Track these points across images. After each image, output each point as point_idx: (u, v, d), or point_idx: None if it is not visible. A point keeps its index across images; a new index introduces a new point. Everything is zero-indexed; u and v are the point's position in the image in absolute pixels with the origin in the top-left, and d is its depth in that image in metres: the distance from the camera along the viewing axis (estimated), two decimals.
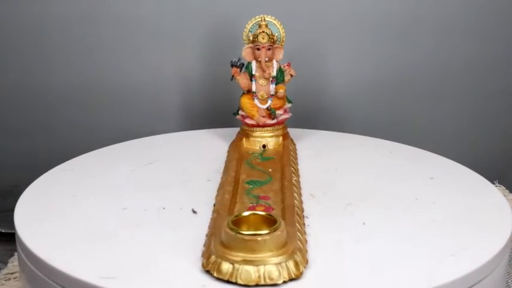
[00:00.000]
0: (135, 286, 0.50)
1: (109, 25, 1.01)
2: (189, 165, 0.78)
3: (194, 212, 0.64)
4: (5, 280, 0.80)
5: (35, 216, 0.64)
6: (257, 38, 0.80)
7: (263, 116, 0.82)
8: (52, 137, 1.05)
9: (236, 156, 0.77)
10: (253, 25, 0.81)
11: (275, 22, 0.81)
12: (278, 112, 0.82)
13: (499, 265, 0.57)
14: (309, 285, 0.50)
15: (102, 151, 0.84)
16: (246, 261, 0.50)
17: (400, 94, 1.08)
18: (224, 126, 0.94)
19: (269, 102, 0.81)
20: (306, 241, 0.56)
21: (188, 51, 1.04)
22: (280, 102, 0.82)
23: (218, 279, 0.50)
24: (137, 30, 1.02)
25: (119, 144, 0.87)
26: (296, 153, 0.81)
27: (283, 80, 0.81)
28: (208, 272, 0.51)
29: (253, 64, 0.81)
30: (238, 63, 0.81)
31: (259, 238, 0.50)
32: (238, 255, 0.50)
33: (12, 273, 0.81)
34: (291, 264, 0.50)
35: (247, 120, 0.82)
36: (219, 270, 0.50)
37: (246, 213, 0.55)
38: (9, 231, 0.99)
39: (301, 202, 0.65)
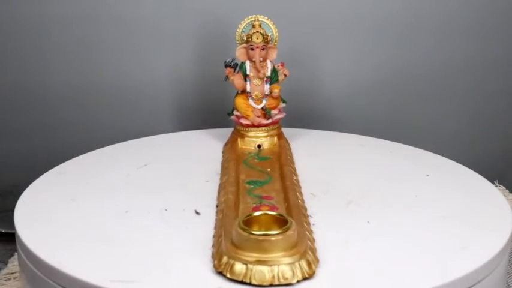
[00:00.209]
0: None
1: (108, 25, 1.01)
2: (186, 166, 0.78)
3: (197, 213, 0.64)
4: (5, 280, 0.80)
5: (35, 216, 0.64)
6: (251, 38, 0.80)
7: (258, 116, 0.82)
8: (51, 137, 1.05)
9: (233, 156, 0.77)
10: (246, 25, 0.81)
11: (268, 22, 0.81)
12: (273, 112, 0.82)
13: (499, 265, 0.57)
14: (322, 284, 0.50)
15: (100, 152, 0.84)
16: (260, 262, 0.50)
17: (400, 94, 1.08)
18: (217, 126, 0.94)
19: (264, 102, 0.81)
20: (314, 240, 0.56)
21: (183, 51, 1.03)
22: (274, 102, 0.82)
23: (231, 280, 0.50)
24: (136, 31, 1.02)
25: (116, 145, 0.87)
26: (291, 153, 0.81)
27: (277, 80, 0.81)
28: (220, 273, 0.51)
29: (247, 64, 0.81)
30: (232, 63, 0.81)
31: (272, 238, 0.50)
32: (251, 256, 0.50)
33: (12, 273, 0.81)
34: (303, 263, 0.50)
35: (242, 121, 0.82)
36: (232, 271, 0.50)
37: (257, 214, 0.55)
38: (9, 231, 0.99)
39: (303, 201, 0.65)
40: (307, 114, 1.07)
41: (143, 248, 0.56)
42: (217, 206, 0.65)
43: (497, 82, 1.10)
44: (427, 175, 0.75)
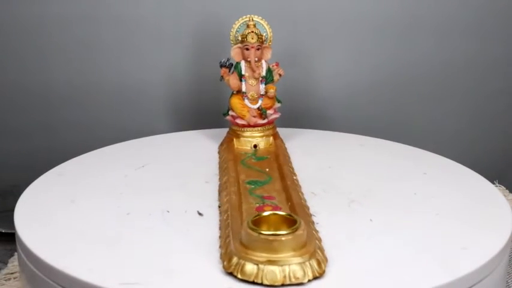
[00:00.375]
0: None
1: (109, 25, 1.01)
2: (184, 167, 0.77)
3: (200, 214, 0.64)
4: (5, 280, 0.80)
5: (35, 216, 0.64)
6: (246, 38, 0.80)
7: (254, 116, 0.82)
8: (52, 137, 1.05)
9: (231, 157, 0.77)
10: (240, 25, 0.81)
11: (262, 22, 0.82)
12: (269, 112, 0.82)
13: (499, 265, 0.57)
14: (333, 283, 0.51)
15: (99, 152, 0.84)
16: (271, 262, 0.50)
17: (400, 94, 1.08)
18: (211, 126, 0.94)
19: (260, 102, 0.81)
20: (321, 239, 0.56)
21: (179, 51, 1.03)
22: (270, 102, 0.82)
23: (242, 280, 0.50)
24: (136, 30, 1.02)
25: (113, 145, 0.86)
26: (287, 153, 0.81)
27: (272, 80, 0.82)
28: (230, 273, 0.51)
29: (242, 64, 0.81)
30: (227, 63, 0.81)
31: (283, 238, 0.50)
32: (262, 256, 0.50)
33: (12, 273, 0.81)
34: (314, 263, 0.51)
35: (238, 121, 0.82)
36: (243, 272, 0.50)
37: (266, 213, 0.55)
38: (9, 231, 0.99)
39: (305, 201, 0.65)
40: (308, 114, 1.07)
41: (147, 249, 0.56)
42: (219, 207, 0.64)
43: (497, 82, 1.10)
44: (424, 173, 0.75)
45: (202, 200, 0.67)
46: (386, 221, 0.62)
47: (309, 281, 0.50)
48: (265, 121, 0.82)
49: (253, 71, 0.80)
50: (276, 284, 0.49)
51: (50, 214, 0.64)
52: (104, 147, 0.85)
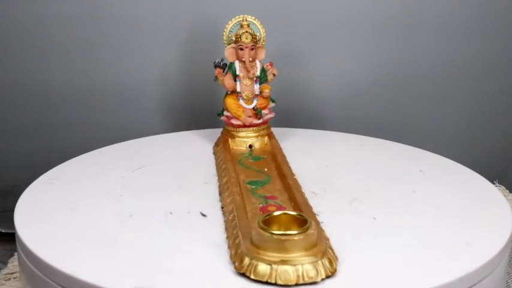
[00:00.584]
0: None
1: (109, 25, 1.01)
2: (181, 168, 0.77)
3: (203, 215, 0.63)
4: (5, 280, 0.80)
5: (35, 216, 0.64)
6: (240, 38, 0.79)
7: (249, 116, 0.82)
8: (52, 137, 1.05)
9: (228, 157, 0.77)
10: (233, 25, 0.81)
11: (255, 22, 0.81)
12: (264, 112, 0.82)
13: (499, 265, 0.57)
14: (346, 281, 0.51)
15: (97, 152, 0.84)
16: (284, 262, 0.50)
17: (400, 94, 1.08)
18: (204, 126, 0.94)
19: (255, 102, 0.81)
20: (328, 238, 0.56)
21: (177, 51, 1.04)
22: (265, 102, 0.82)
23: (254, 280, 0.50)
24: (135, 30, 1.02)
25: (111, 146, 0.86)
26: (283, 152, 0.81)
27: (266, 80, 0.82)
28: (242, 274, 0.51)
29: (237, 64, 0.81)
30: (221, 63, 0.81)
31: (295, 238, 0.50)
32: (275, 256, 0.50)
33: (12, 273, 0.81)
34: (326, 261, 0.51)
35: (233, 121, 0.82)
36: (256, 272, 0.50)
37: (276, 213, 0.54)
38: (9, 231, 0.99)
39: (307, 200, 0.65)
40: (307, 114, 1.07)
41: (154, 251, 0.56)
42: (222, 208, 0.64)
43: (498, 82, 1.10)
44: (424, 173, 0.75)
45: (203, 201, 0.67)
46: (389, 219, 0.62)
47: (322, 279, 0.50)
48: (260, 121, 0.82)
49: (248, 71, 0.80)
50: (290, 283, 0.49)
51: (50, 214, 0.64)
52: (103, 148, 0.85)
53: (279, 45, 1.02)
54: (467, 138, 1.12)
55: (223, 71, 0.81)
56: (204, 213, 0.64)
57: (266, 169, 0.75)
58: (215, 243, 0.57)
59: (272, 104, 0.83)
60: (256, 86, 0.81)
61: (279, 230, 0.51)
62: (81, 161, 0.81)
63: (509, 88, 1.10)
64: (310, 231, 0.51)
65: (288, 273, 0.49)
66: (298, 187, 0.68)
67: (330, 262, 0.51)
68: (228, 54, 0.81)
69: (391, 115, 1.09)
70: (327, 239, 0.56)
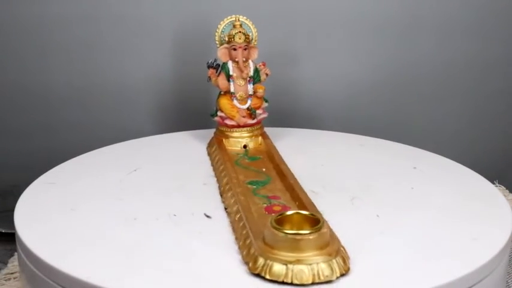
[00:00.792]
0: None
1: (109, 25, 1.01)
2: (178, 169, 0.77)
3: (208, 216, 0.63)
4: (5, 280, 0.80)
5: (35, 216, 0.64)
6: (233, 38, 0.79)
7: (243, 116, 0.82)
8: (52, 137, 1.05)
9: (226, 158, 0.76)
10: (225, 26, 0.81)
11: (247, 22, 0.81)
12: (258, 112, 0.82)
13: (499, 265, 0.57)
14: (360, 278, 0.51)
15: (96, 153, 0.83)
16: (299, 261, 0.50)
17: (401, 94, 1.08)
18: (195, 127, 0.94)
19: (249, 102, 0.81)
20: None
21: (175, 51, 1.04)
22: (258, 102, 0.82)
23: (269, 281, 0.50)
24: (136, 30, 1.02)
25: (111, 146, 0.86)
26: (279, 152, 0.81)
27: (259, 80, 0.82)
28: (257, 275, 0.51)
29: (230, 64, 0.81)
30: (215, 64, 0.81)
31: (311, 237, 0.50)
32: (290, 256, 0.50)
33: (12, 273, 0.81)
34: (340, 260, 0.51)
35: (228, 121, 0.81)
36: (271, 272, 0.50)
37: (289, 213, 0.54)
38: (9, 231, 0.99)
39: (311, 199, 0.65)
40: (307, 114, 1.07)
41: (158, 252, 0.56)
42: (225, 209, 0.64)
43: (498, 82, 1.10)
44: (424, 173, 0.75)
45: (204, 202, 0.66)
46: (391, 217, 0.63)
47: (337, 278, 0.50)
48: (254, 121, 0.82)
49: (241, 71, 0.80)
50: (306, 283, 0.49)
51: (50, 214, 0.64)
52: (103, 148, 0.85)
53: (279, 45, 1.02)
54: (467, 138, 1.12)
55: (216, 72, 0.81)
56: (208, 214, 0.63)
57: (264, 169, 0.75)
58: (224, 245, 0.57)
59: (265, 104, 0.83)
60: (250, 86, 0.81)
61: (291, 229, 0.51)
62: (81, 161, 0.81)
63: (509, 88, 1.10)
64: (324, 230, 0.51)
65: (303, 272, 0.49)
66: (301, 187, 0.67)
67: (344, 260, 0.51)
68: (221, 54, 0.81)
69: (391, 115, 1.09)
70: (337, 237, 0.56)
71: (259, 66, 0.82)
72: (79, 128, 1.05)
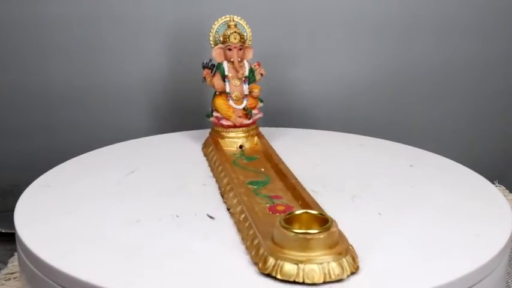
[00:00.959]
0: None
1: (109, 25, 1.01)
2: (176, 170, 0.77)
3: (211, 217, 0.63)
4: (5, 280, 0.80)
5: (35, 216, 0.64)
6: (228, 38, 0.79)
7: (239, 117, 0.82)
8: (52, 137, 1.05)
9: (224, 158, 0.76)
10: (219, 26, 0.81)
11: (242, 22, 0.81)
12: (253, 112, 0.82)
13: (499, 265, 0.57)
14: (370, 276, 0.51)
15: (96, 153, 0.83)
16: (310, 260, 0.50)
17: (400, 94, 1.08)
18: (189, 127, 0.94)
19: (245, 102, 0.81)
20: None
21: (172, 51, 1.04)
22: (254, 102, 0.82)
23: (280, 280, 0.50)
24: (136, 30, 1.02)
25: (111, 146, 0.86)
26: (276, 152, 0.81)
27: (254, 80, 0.82)
28: (267, 275, 0.50)
29: (225, 65, 0.81)
30: (210, 64, 0.81)
31: (321, 236, 0.50)
32: (300, 255, 0.50)
33: (12, 273, 0.81)
34: (349, 259, 0.51)
35: (224, 122, 0.81)
36: (282, 272, 0.50)
37: (298, 212, 0.54)
38: (9, 231, 0.99)
39: (314, 198, 0.65)
40: (307, 114, 1.07)
41: (163, 253, 0.55)
42: (228, 209, 0.64)
43: (497, 82, 1.10)
44: (424, 173, 0.75)
45: (205, 202, 0.66)
46: (392, 215, 0.63)
47: (348, 276, 0.50)
48: (250, 121, 0.82)
49: (237, 71, 0.80)
50: (318, 282, 0.49)
51: (50, 214, 0.64)
52: (103, 148, 0.85)
53: (278, 45, 1.02)
54: (467, 138, 1.12)
55: (211, 72, 0.81)
56: (210, 215, 0.63)
57: (263, 169, 0.74)
58: (230, 245, 0.56)
59: (261, 104, 0.83)
60: (245, 86, 0.81)
61: (300, 229, 0.51)
62: (81, 161, 0.81)
63: (509, 88, 1.10)
64: (333, 229, 0.51)
65: (315, 271, 0.49)
66: (302, 186, 0.67)
67: (353, 259, 0.51)
68: (216, 54, 0.80)
69: (391, 115, 1.09)
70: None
71: (254, 66, 0.82)
72: (79, 128, 1.05)
